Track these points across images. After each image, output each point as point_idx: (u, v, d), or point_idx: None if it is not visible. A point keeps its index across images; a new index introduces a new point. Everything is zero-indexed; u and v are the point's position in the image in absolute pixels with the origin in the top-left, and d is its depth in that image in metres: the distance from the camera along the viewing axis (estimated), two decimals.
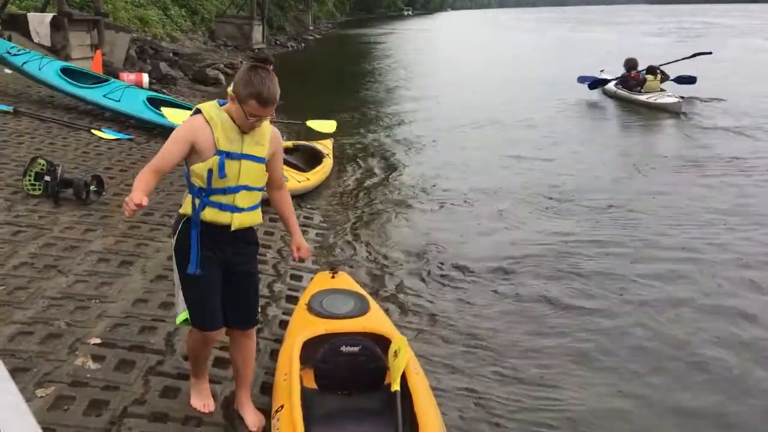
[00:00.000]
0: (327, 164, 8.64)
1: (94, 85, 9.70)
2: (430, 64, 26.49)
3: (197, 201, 2.86)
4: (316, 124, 9.32)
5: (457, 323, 4.87)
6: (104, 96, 9.42)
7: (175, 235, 2.95)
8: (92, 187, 6.16)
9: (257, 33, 28.00)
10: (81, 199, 6.03)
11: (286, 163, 8.14)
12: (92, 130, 8.91)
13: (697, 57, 15.27)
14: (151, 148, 8.67)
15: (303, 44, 33.99)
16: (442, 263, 5.96)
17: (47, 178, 6.06)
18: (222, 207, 2.88)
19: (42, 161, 6.15)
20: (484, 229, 6.87)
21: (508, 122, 12.98)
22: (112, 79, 10.28)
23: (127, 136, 8.99)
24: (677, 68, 14.90)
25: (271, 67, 2.85)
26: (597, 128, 13.16)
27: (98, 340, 3.77)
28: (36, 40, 13.19)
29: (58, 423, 3.06)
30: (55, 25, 13.41)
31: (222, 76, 17.23)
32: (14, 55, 9.39)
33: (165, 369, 3.58)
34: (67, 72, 9.70)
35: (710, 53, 14.76)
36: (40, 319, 3.94)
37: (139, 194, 2.63)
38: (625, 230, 6.79)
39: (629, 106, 14.73)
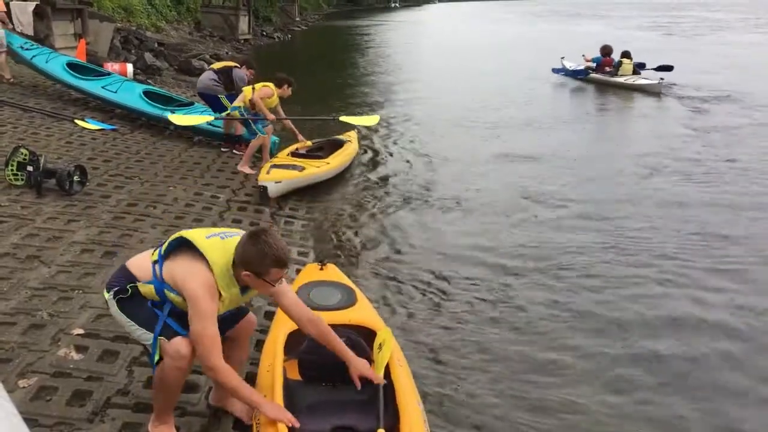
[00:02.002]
0: (349, 148, 8.66)
1: (93, 78, 9.88)
2: (417, 56, 26.45)
3: (165, 307, 2.83)
4: (354, 120, 8.86)
5: (444, 318, 4.88)
6: (102, 87, 9.64)
7: (119, 297, 2.86)
8: (75, 178, 6.11)
9: (243, 24, 27.78)
10: (64, 189, 5.98)
11: (307, 156, 8.07)
12: (76, 120, 8.84)
13: (663, 70, 16.14)
14: (135, 138, 8.61)
15: (289, 35, 33.75)
16: (433, 260, 5.94)
17: (30, 168, 6.00)
18: None
19: (25, 151, 6.09)
20: (476, 230, 6.76)
21: (498, 115, 13.03)
22: (114, 73, 10.50)
23: (111, 127, 8.92)
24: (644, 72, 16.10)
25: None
26: (588, 118, 13.29)
27: (81, 331, 3.76)
28: (19, 29, 12.98)
29: (40, 413, 3.05)
30: (39, 14, 13.24)
31: (207, 67, 17.06)
32: (26, 49, 10.09)
33: (149, 359, 3.56)
34: (72, 66, 10.01)
35: (672, 68, 15.87)
36: (22, 310, 3.92)
37: (283, 412, 2.75)
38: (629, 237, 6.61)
39: (607, 89, 15.90)
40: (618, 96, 15.19)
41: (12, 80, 10.66)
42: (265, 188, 7.01)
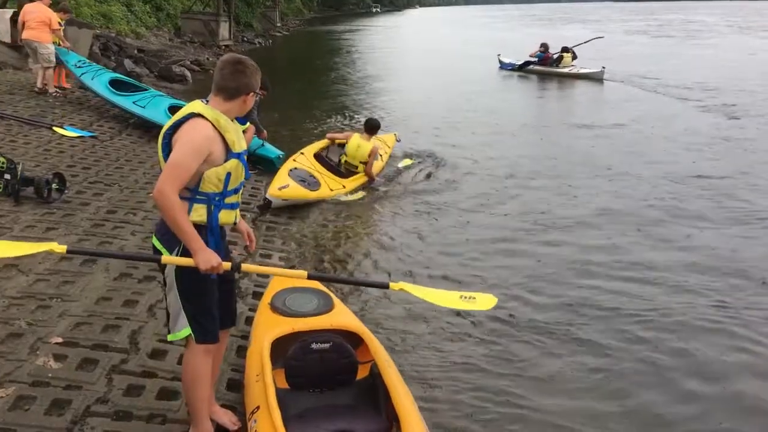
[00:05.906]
0: (376, 167, 8.47)
1: (127, 93, 10.10)
2: (394, 61, 26.63)
3: (212, 207, 2.75)
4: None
5: (426, 324, 4.89)
6: (133, 103, 9.86)
7: (181, 246, 2.71)
8: (54, 185, 6.06)
9: (224, 30, 27.67)
10: (42, 197, 5.92)
11: (330, 167, 8.05)
12: (54, 128, 8.76)
13: (595, 39, 20.41)
14: (114, 146, 8.56)
15: (270, 41, 33.69)
16: (413, 268, 5.92)
17: (7, 176, 5.94)
18: (233, 206, 2.86)
19: (2, 159, 6.03)
20: (454, 237, 6.73)
21: (460, 116, 13.30)
22: (150, 89, 10.79)
23: (91, 134, 8.86)
24: (582, 48, 19.73)
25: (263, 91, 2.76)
26: (551, 117, 13.53)
27: (60, 339, 3.72)
28: None
29: (18, 423, 3.02)
30: (16, 21, 13.12)
31: (188, 73, 17.03)
32: (78, 67, 10.62)
33: (129, 367, 3.55)
34: (114, 83, 10.35)
35: (602, 37, 19.59)
36: (0, 319, 3.88)
37: (213, 256, 2.64)
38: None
39: (552, 79, 18.99)
40: (564, 84, 18.18)
41: (56, 93, 10.99)
42: (270, 202, 7.05)
